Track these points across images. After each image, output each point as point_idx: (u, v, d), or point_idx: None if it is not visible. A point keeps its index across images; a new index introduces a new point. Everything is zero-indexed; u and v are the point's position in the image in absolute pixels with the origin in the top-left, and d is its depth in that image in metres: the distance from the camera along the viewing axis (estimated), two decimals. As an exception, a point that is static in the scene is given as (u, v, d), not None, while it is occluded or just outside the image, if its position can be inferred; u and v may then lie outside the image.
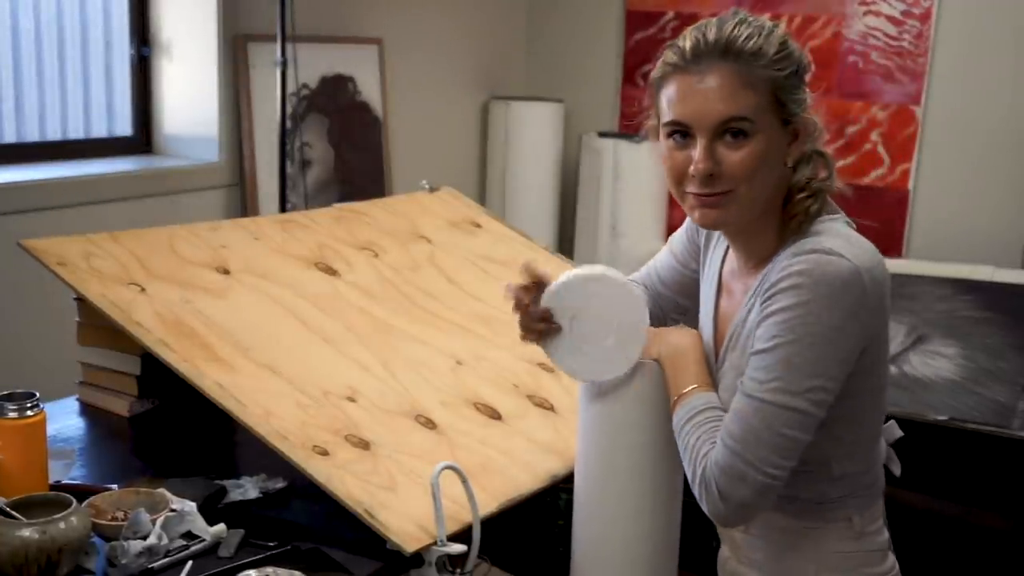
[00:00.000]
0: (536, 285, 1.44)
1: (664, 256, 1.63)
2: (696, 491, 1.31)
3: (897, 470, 1.46)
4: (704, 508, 1.31)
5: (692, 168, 1.30)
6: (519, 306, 1.44)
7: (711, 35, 1.29)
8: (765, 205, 1.32)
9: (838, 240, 1.27)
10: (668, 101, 1.31)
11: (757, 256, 1.36)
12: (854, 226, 1.34)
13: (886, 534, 1.43)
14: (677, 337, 1.44)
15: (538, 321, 1.44)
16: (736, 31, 1.28)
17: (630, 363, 1.43)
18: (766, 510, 1.32)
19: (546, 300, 1.44)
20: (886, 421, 1.44)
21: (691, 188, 1.31)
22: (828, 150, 1.36)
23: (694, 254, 1.57)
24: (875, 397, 1.36)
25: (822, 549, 1.36)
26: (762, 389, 1.25)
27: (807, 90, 1.32)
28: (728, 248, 1.45)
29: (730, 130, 1.28)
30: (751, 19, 1.31)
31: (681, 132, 1.31)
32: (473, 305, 2.16)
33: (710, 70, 1.28)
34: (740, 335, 1.36)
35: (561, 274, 1.45)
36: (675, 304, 1.63)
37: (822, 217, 1.32)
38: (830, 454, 1.34)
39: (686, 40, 1.32)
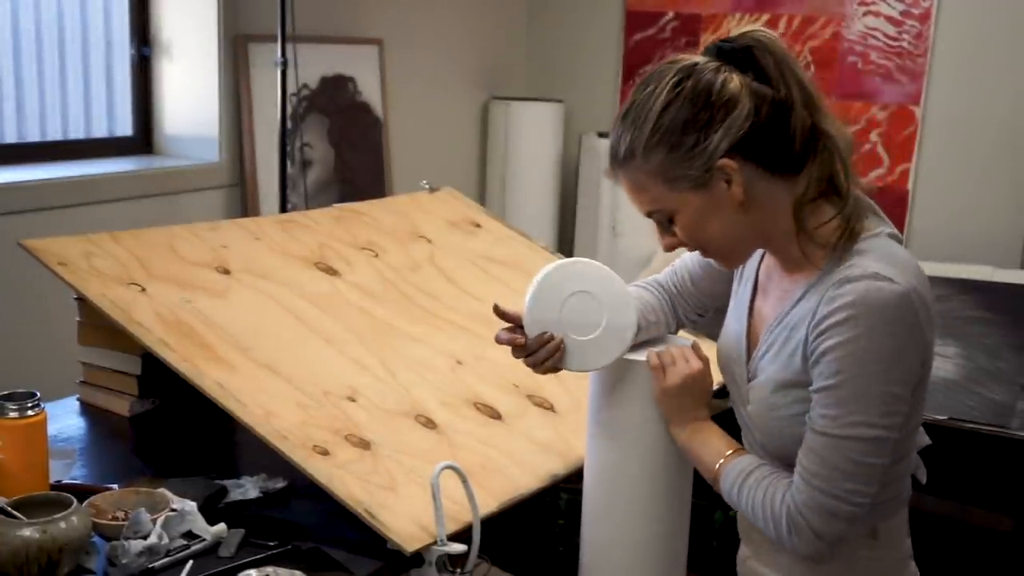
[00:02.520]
0: (514, 320, 1.48)
1: (696, 254, 1.61)
2: (786, 538, 1.29)
3: (923, 477, 1.46)
4: (800, 550, 1.29)
5: None
6: (517, 348, 1.47)
7: (609, 146, 1.36)
8: (759, 237, 1.35)
9: (882, 262, 1.26)
10: None
11: (794, 265, 1.36)
12: (900, 238, 1.33)
13: (908, 542, 1.42)
14: (692, 410, 1.44)
15: (541, 347, 1.45)
16: (616, 133, 1.34)
17: (624, 340, 1.45)
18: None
19: (529, 320, 1.46)
20: None
21: None
22: (837, 144, 1.30)
23: None
24: (919, 406, 1.34)
25: (843, 555, 1.35)
26: (837, 425, 1.24)
27: (717, 129, 1.26)
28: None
29: (656, 219, 1.36)
30: (643, 93, 1.32)
31: None
32: (473, 305, 2.16)
33: (616, 179, 1.37)
34: (776, 344, 1.34)
35: (529, 289, 1.47)
36: (698, 303, 1.62)
37: (865, 234, 1.30)
38: None
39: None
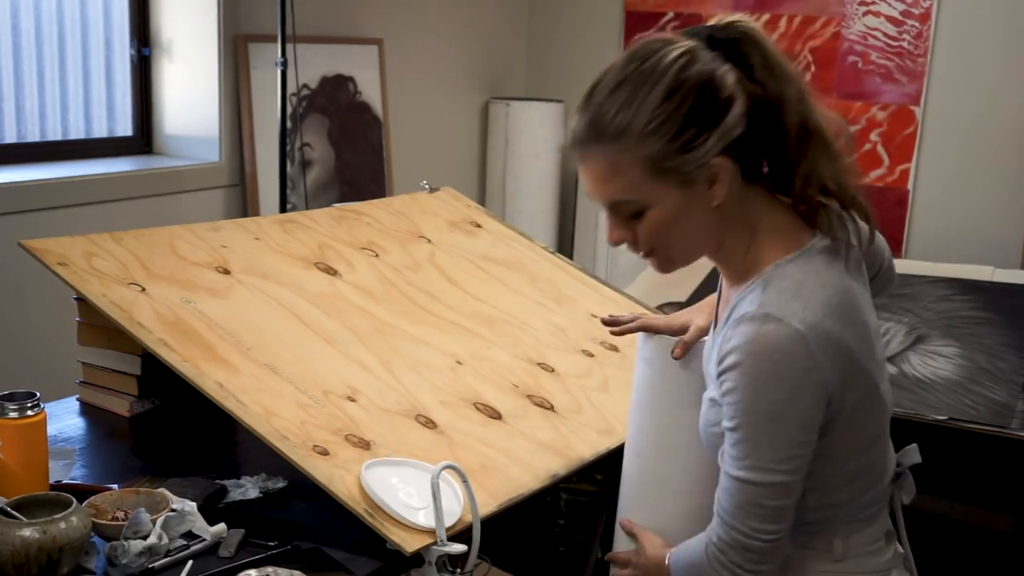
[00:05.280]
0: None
1: None
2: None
3: (907, 499, 1.43)
4: None
5: None
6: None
7: (584, 116, 1.26)
8: (716, 242, 1.29)
9: (783, 297, 1.21)
10: None
11: (738, 276, 1.32)
12: (840, 247, 1.26)
13: (885, 556, 1.37)
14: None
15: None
16: (605, 105, 1.23)
17: None
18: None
19: None
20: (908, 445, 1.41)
21: None
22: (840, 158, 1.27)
23: None
24: (855, 434, 1.29)
25: (806, 569, 1.33)
26: (739, 467, 1.24)
27: (717, 125, 1.20)
28: None
29: (619, 211, 1.27)
30: (640, 69, 1.23)
31: None
32: (473, 305, 2.16)
33: (584, 157, 1.26)
34: (711, 362, 1.32)
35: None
36: None
37: (794, 252, 1.25)
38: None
39: (574, 119, 1.28)
